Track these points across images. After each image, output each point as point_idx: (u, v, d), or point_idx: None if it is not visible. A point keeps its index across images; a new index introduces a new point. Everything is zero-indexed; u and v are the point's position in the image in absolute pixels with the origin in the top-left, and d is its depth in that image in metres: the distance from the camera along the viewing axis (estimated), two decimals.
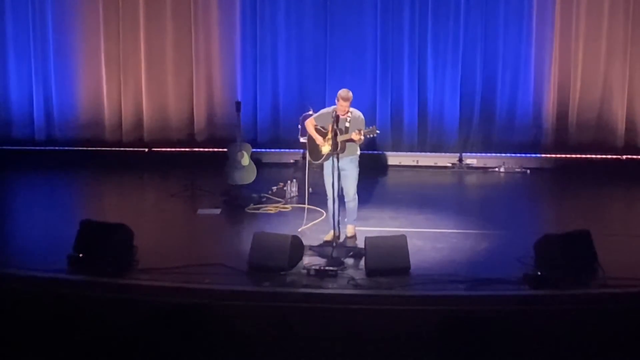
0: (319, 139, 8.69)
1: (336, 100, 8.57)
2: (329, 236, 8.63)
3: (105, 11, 12.78)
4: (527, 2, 12.32)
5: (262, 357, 6.82)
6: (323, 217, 9.39)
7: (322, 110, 8.91)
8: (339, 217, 8.45)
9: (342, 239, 8.69)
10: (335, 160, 8.39)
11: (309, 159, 8.91)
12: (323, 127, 8.70)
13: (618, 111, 12.36)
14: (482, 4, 12.40)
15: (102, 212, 9.85)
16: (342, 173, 8.61)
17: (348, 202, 8.83)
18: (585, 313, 7.01)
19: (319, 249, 8.37)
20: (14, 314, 7.05)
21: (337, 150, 8.39)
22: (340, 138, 8.42)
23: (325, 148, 8.59)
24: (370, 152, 12.42)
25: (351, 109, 8.60)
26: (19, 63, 13.02)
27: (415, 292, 7.41)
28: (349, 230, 8.92)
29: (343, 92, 8.52)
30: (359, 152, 8.78)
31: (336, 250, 8.14)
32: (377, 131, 8.55)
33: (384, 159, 12.72)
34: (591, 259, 7.83)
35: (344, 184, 8.71)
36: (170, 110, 12.99)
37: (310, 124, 8.84)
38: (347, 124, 8.52)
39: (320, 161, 8.73)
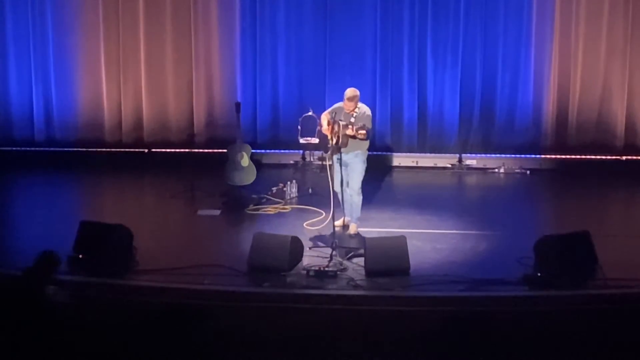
0: (327, 131, 8.88)
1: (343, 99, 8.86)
2: (339, 223, 9.01)
3: (105, 12, 12.77)
4: (526, 3, 12.31)
5: (261, 358, 6.82)
6: (324, 216, 9.41)
7: (337, 104, 9.02)
8: (343, 206, 8.92)
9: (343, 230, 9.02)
10: (339, 154, 8.57)
11: (322, 151, 9.32)
12: None
13: (618, 111, 12.36)
14: (481, 5, 12.39)
15: (101, 213, 9.85)
16: (348, 167, 8.80)
17: (352, 196, 8.96)
18: (585, 313, 7.02)
19: (319, 250, 8.39)
20: (13, 315, 7.05)
21: (338, 144, 8.53)
22: (341, 132, 8.55)
23: (332, 141, 8.83)
24: (369, 152, 12.41)
25: (360, 105, 8.84)
26: (19, 64, 13.00)
27: (415, 293, 7.41)
28: (351, 228, 9.02)
29: (348, 91, 8.82)
30: (366, 148, 8.94)
31: (336, 251, 8.14)
32: (363, 131, 8.52)
33: (383, 160, 12.70)
34: (591, 259, 7.83)
35: (349, 177, 8.84)
36: (170, 111, 12.99)
37: (325, 116, 9.03)
38: (352, 119, 8.68)
39: (329, 153, 8.89)
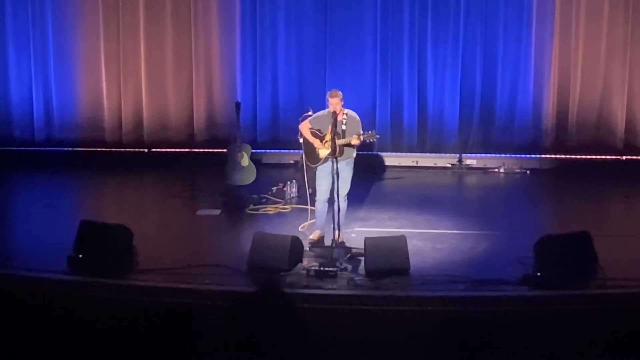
0: (316, 142, 8.62)
1: (327, 102, 8.56)
2: (315, 235, 8.72)
3: (105, 11, 12.79)
4: (526, 3, 12.33)
5: (261, 357, 6.82)
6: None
7: (318, 113, 8.80)
8: (338, 217, 8.28)
9: (340, 239, 8.50)
10: (334, 163, 8.26)
11: (307, 162, 8.80)
12: (319, 130, 8.64)
13: (618, 111, 12.37)
14: (481, 5, 12.41)
15: (101, 213, 9.85)
16: (337, 175, 8.55)
17: (340, 203, 8.54)
18: (585, 313, 7.01)
19: (319, 250, 8.37)
20: (14, 314, 7.05)
21: (336, 154, 8.27)
22: (338, 142, 8.33)
23: (323, 152, 8.56)
24: (369, 152, 12.43)
25: (346, 110, 8.53)
26: (19, 63, 13.04)
27: (415, 293, 7.40)
28: (336, 235, 8.31)
29: (330, 92, 8.51)
30: (354, 155, 8.69)
31: (336, 251, 8.13)
32: (377, 136, 8.53)
33: (383, 160, 12.71)
34: (591, 259, 7.82)
35: (339, 186, 8.60)
36: (170, 110, 13.00)
37: (305, 127, 8.75)
38: (344, 127, 8.44)
39: (318, 164, 8.65)
